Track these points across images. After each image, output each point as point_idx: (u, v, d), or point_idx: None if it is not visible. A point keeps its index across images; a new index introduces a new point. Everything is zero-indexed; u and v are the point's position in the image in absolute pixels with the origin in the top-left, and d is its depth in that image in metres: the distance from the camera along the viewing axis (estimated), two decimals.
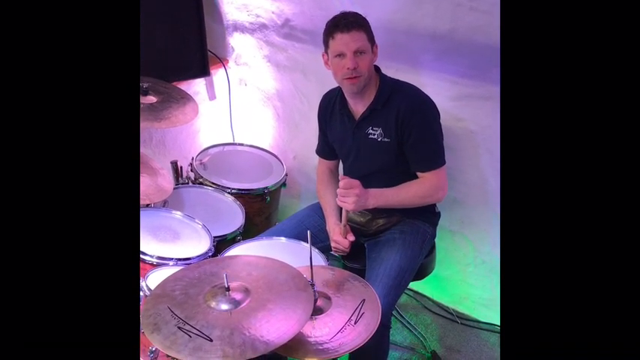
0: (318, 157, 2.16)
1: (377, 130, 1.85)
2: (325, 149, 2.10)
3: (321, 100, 2.05)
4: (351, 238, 1.89)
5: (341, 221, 1.89)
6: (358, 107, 1.89)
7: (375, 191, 1.81)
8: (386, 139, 1.84)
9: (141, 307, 1.35)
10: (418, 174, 1.87)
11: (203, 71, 2.60)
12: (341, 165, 2.11)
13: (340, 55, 1.76)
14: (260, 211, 2.34)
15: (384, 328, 1.69)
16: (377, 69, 1.88)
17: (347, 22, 1.73)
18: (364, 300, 1.40)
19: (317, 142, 2.14)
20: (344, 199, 1.77)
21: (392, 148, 1.84)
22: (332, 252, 2.00)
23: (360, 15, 1.78)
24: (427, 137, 1.83)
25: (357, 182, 1.77)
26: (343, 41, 1.73)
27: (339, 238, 1.90)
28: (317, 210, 2.08)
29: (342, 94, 1.92)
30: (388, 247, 1.87)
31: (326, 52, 1.83)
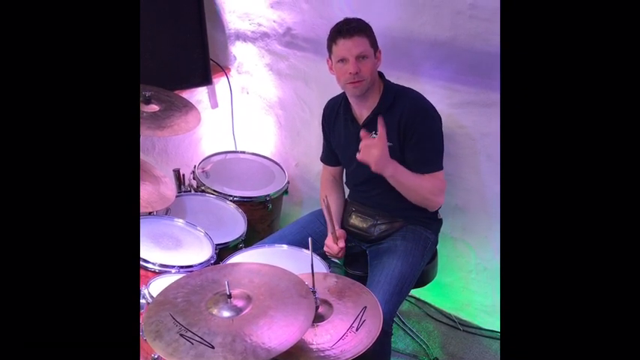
0: (320, 164, 2.17)
1: None
2: (329, 156, 2.11)
3: (325, 107, 2.06)
4: (341, 244, 1.90)
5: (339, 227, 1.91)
6: (362, 112, 1.90)
7: (394, 162, 1.77)
8: (389, 144, 1.85)
9: (143, 314, 1.36)
10: None
11: (205, 80, 2.61)
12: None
13: (343, 60, 1.78)
14: (262, 219, 2.34)
15: (385, 335, 1.69)
16: (381, 75, 1.90)
17: (349, 28, 1.76)
18: (365, 307, 1.41)
19: (319, 150, 2.15)
20: (370, 150, 1.70)
21: (395, 152, 1.85)
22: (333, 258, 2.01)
23: (363, 21, 1.81)
24: (427, 140, 1.84)
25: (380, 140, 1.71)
26: (345, 46, 1.76)
27: (330, 243, 1.92)
28: (319, 216, 2.08)
29: (346, 99, 1.93)
30: (389, 254, 1.87)
31: (330, 57, 1.85)
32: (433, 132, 1.85)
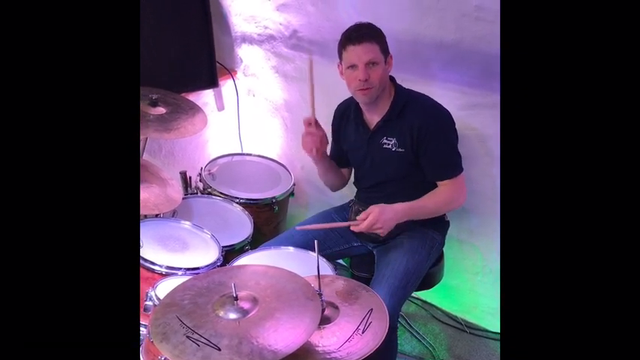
0: None
1: (391, 140, 1.85)
2: (336, 158, 2.11)
3: (336, 110, 2.06)
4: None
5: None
6: (373, 117, 1.90)
7: (400, 206, 1.82)
8: (400, 149, 1.84)
9: (150, 316, 1.37)
10: (437, 183, 1.88)
11: (212, 82, 2.62)
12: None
13: (352, 66, 1.76)
14: (268, 221, 2.34)
15: (391, 330, 1.69)
16: (392, 79, 1.89)
17: (359, 35, 1.74)
18: (372, 309, 1.41)
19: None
20: (374, 225, 1.76)
21: (406, 158, 1.85)
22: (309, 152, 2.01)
23: (374, 26, 1.78)
24: (443, 146, 1.84)
25: (374, 217, 1.77)
26: (355, 53, 1.74)
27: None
28: (325, 218, 2.09)
29: (357, 103, 1.93)
30: (396, 250, 1.88)
31: (340, 63, 1.84)
32: (447, 138, 1.84)
